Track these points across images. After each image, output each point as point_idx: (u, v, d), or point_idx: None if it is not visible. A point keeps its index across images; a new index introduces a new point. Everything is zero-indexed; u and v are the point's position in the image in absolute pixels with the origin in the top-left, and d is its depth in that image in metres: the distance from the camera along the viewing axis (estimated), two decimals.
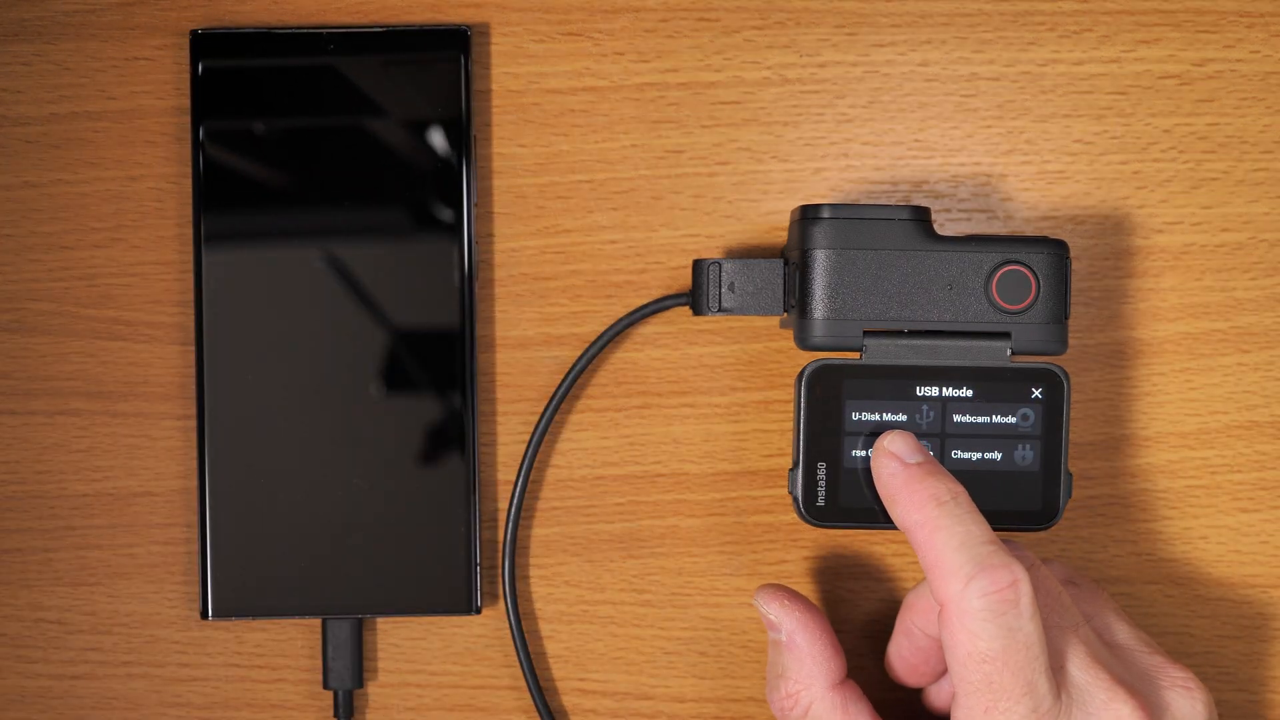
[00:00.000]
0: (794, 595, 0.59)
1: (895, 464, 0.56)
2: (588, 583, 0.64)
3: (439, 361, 0.62)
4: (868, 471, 0.58)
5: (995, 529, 0.58)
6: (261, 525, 0.62)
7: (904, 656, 0.59)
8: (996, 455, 0.58)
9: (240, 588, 0.62)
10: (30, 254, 0.63)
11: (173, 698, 0.64)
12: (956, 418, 0.58)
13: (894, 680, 0.61)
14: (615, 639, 0.64)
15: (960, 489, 0.55)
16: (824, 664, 0.58)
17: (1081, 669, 0.55)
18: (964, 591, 0.53)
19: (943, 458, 0.58)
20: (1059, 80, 0.63)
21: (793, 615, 0.58)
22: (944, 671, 0.59)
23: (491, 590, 0.64)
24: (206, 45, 0.62)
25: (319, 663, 0.64)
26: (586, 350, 0.62)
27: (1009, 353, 0.58)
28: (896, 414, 0.58)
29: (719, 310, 0.61)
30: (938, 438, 0.58)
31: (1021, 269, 0.58)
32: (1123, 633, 0.58)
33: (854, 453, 0.58)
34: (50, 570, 0.64)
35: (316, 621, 0.63)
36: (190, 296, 0.63)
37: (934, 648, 0.58)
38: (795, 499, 0.58)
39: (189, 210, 0.63)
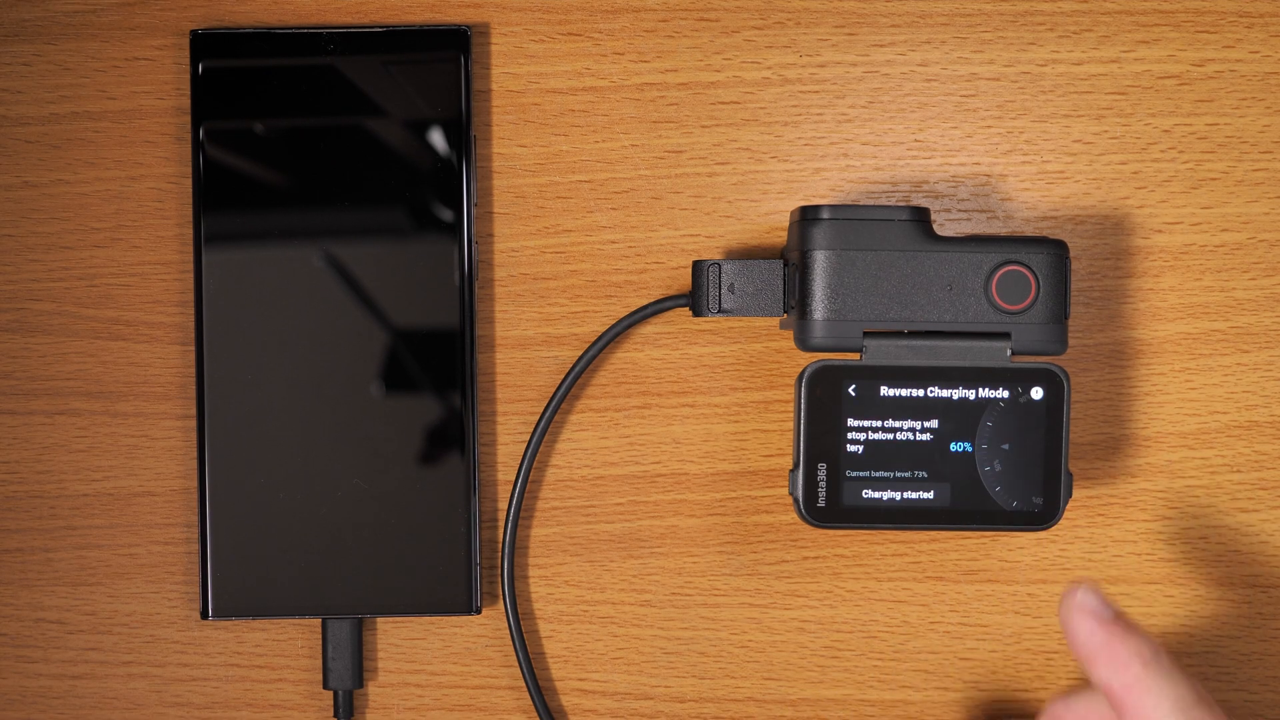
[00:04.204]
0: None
1: (1092, 622, 0.54)
2: (588, 583, 0.64)
3: (439, 361, 0.62)
4: (867, 472, 0.58)
5: (996, 529, 0.59)
6: (261, 525, 0.62)
7: None
8: (996, 455, 0.58)
9: (240, 588, 0.62)
10: (30, 254, 0.63)
11: (173, 698, 0.64)
12: (957, 418, 0.58)
13: None
14: (615, 639, 0.64)
15: (1159, 645, 0.53)
16: None
17: None
18: None
19: (942, 458, 0.58)
20: (1059, 80, 0.63)
21: None
22: None
23: (491, 590, 0.64)
24: (206, 45, 0.62)
25: (319, 663, 0.64)
26: (586, 350, 0.62)
27: (1009, 353, 0.58)
28: (897, 415, 0.58)
29: (719, 311, 0.61)
30: (938, 438, 0.58)
31: (1021, 269, 0.58)
32: None
33: (854, 454, 0.58)
34: (50, 570, 0.64)
35: (316, 621, 0.63)
36: (190, 296, 0.63)
37: None
38: (796, 500, 0.58)
39: (189, 210, 0.63)
